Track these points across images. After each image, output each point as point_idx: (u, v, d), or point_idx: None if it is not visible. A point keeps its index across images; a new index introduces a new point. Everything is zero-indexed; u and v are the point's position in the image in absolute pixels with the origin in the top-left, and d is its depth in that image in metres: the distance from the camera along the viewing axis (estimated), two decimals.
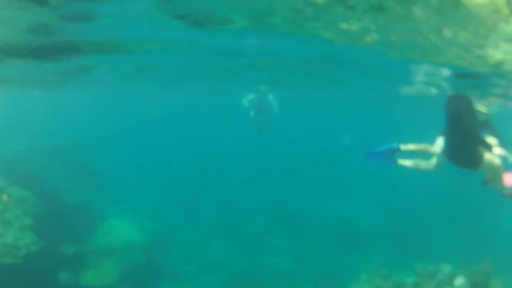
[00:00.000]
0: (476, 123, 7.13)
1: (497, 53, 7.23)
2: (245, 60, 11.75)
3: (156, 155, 33.55)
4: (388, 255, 15.40)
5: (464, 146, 6.97)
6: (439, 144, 7.67)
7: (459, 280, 10.01)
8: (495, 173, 7.24)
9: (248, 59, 11.61)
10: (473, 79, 10.35)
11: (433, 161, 7.91)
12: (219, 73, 15.00)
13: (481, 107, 8.04)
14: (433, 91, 14.14)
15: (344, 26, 6.47)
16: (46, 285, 13.97)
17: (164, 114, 36.97)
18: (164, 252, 19.11)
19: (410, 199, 23.08)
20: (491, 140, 7.18)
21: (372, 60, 10.06)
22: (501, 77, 9.73)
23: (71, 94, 23.28)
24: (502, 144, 7.34)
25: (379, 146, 7.71)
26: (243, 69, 13.65)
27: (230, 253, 19.18)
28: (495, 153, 7.01)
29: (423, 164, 7.99)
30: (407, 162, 7.92)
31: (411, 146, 7.79)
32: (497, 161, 7.17)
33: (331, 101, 26.06)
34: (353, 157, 32.75)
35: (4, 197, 8.19)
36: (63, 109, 32.15)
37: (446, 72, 10.24)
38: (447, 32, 6.28)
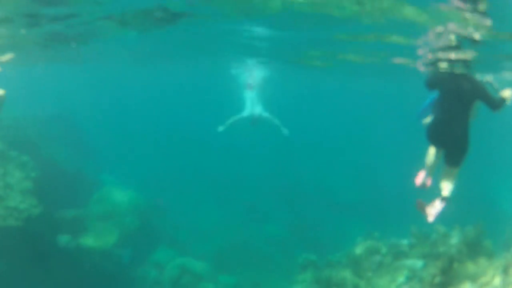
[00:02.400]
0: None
1: None
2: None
3: (152, 124, 33.77)
4: (380, 222, 15.93)
5: (460, 127, 7.11)
6: None
7: (454, 239, 10.65)
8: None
9: None
10: None
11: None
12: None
13: None
14: None
15: None
16: (47, 248, 14.15)
17: (160, 85, 36.84)
18: (160, 218, 19.53)
19: (398, 169, 23.74)
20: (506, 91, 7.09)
21: None
22: None
23: (68, 66, 23.23)
24: None
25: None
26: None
27: (225, 220, 19.74)
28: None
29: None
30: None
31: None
32: None
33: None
34: (342, 132, 33.39)
35: None
36: (59, 79, 31.96)
37: None
38: None
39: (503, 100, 7.01)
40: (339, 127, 34.83)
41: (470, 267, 8.68)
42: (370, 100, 33.00)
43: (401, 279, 11.31)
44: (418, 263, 11.36)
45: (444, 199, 7.27)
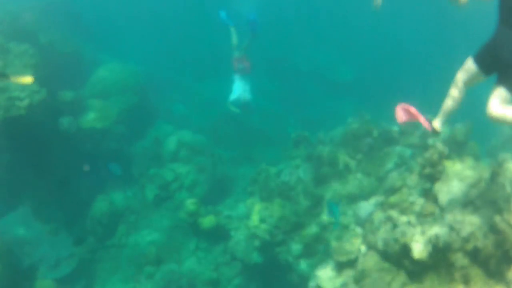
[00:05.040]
0: None
1: None
2: None
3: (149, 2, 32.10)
4: (371, 104, 16.09)
5: None
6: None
7: (443, 133, 11.00)
8: None
9: None
10: None
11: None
12: None
13: None
14: None
15: None
16: (49, 132, 14.36)
17: None
18: (156, 93, 19.80)
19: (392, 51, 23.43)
20: None
21: None
22: None
23: None
24: None
25: None
26: None
27: (219, 93, 19.87)
28: None
29: None
30: None
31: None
32: None
33: None
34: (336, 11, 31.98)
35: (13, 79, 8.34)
36: None
37: None
38: None
39: None
40: (333, 5, 33.40)
41: (458, 165, 9.11)
42: None
43: (390, 165, 11.83)
44: (407, 151, 11.82)
45: None
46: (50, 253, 12.97)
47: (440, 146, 9.50)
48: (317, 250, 11.59)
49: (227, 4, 14.48)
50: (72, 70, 16.74)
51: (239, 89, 13.57)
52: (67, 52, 17.38)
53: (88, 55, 18.84)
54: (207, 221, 13.62)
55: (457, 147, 9.72)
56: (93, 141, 15.91)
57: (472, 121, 10.23)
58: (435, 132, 6.15)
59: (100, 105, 16.64)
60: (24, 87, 13.35)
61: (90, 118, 16.12)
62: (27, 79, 8.16)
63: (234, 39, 13.65)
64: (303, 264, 11.52)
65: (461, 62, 5.85)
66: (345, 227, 10.88)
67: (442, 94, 6.90)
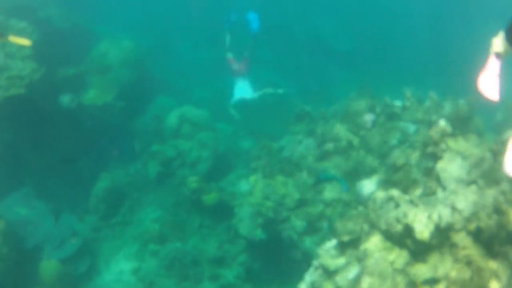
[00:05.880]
0: None
1: None
2: None
3: None
4: (373, 76, 15.88)
5: None
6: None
7: (446, 109, 10.90)
8: None
9: None
10: None
11: None
12: None
13: None
14: None
15: None
16: (50, 110, 14.40)
17: None
18: (157, 66, 19.62)
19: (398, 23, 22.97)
20: None
21: None
22: None
23: None
24: None
25: None
26: None
27: (219, 63, 19.58)
28: None
29: None
30: None
31: None
32: None
33: None
34: None
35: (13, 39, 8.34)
36: None
37: None
38: None
39: None
40: None
41: (461, 143, 9.01)
42: None
43: (393, 141, 11.72)
44: (411, 127, 11.70)
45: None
46: (53, 232, 13.03)
47: (442, 124, 9.40)
48: (321, 227, 11.62)
49: None
50: (72, 46, 16.59)
51: (237, 90, 13.61)
52: (66, 27, 17.17)
53: (87, 29, 18.59)
54: (211, 198, 13.65)
55: (460, 124, 9.59)
56: (94, 117, 15.88)
57: (477, 95, 10.04)
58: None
59: (100, 81, 16.53)
60: (24, 66, 13.27)
61: (91, 95, 16.05)
62: (25, 42, 8.19)
63: (228, 40, 13.89)
64: (307, 241, 11.57)
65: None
66: (347, 205, 10.88)
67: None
